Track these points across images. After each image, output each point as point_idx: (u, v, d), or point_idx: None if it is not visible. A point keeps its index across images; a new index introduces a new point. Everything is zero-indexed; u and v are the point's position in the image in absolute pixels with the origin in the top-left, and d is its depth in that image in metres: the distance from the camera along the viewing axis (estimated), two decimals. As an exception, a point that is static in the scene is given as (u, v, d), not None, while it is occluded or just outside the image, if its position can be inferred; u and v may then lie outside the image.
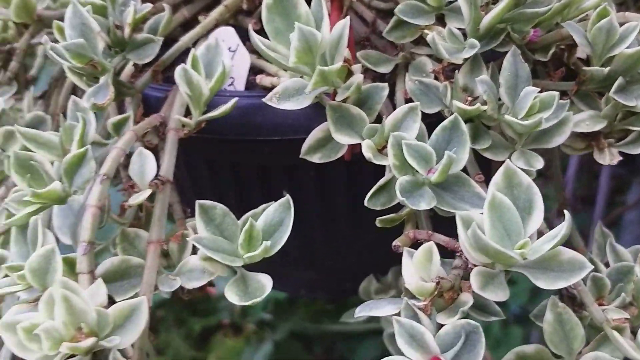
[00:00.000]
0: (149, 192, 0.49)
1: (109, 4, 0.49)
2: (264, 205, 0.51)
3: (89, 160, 0.45)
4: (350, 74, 0.49)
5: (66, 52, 0.46)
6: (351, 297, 0.87)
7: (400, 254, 0.75)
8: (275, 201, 0.51)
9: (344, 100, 0.49)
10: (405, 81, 0.51)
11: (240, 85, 0.59)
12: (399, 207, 0.50)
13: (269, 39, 0.64)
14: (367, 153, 0.45)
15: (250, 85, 0.60)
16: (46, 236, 0.45)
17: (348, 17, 0.45)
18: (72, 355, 0.39)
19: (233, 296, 0.45)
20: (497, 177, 0.41)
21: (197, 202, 0.48)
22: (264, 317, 1.50)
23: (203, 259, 0.46)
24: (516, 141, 0.50)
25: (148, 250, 0.48)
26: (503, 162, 0.49)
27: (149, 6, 0.52)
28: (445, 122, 0.45)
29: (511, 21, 0.46)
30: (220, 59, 0.52)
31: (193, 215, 0.54)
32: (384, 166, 0.62)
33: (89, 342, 0.38)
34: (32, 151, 0.53)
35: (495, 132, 0.50)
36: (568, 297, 0.51)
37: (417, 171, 0.45)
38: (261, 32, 0.65)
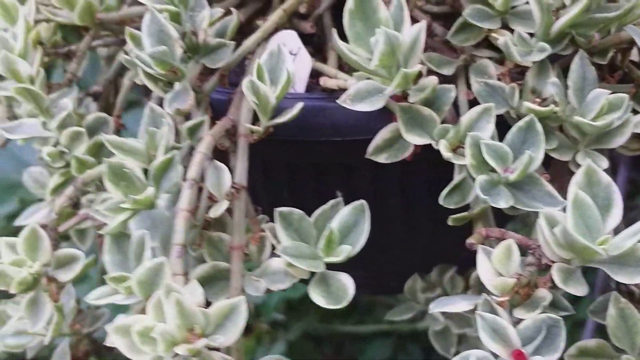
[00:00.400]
0: (227, 203, 0.50)
1: (182, 10, 0.50)
2: (331, 203, 0.53)
3: (176, 164, 0.47)
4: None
5: (151, 60, 0.47)
6: (396, 294, 0.88)
7: (446, 254, 0.77)
8: (328, 200, 0.53)
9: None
10: (471, 83, 0.52)
11: (300, 88, 0.60)
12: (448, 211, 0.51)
13: (325, 42, 0.67)
14: (446, 153, 0.46)
15: (309, 87, 0.61)
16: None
17: (424, 21, 0.46)
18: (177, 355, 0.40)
19: (319, 298, 0.47)
20: (578, 176, 0.42)
21: (276, 210, 0.50)
22: (277, 317, 1.51)
23: (287, 265, 0.48)
24: (579, 142, 0.51)
25: (231, 256, 0.50)
26: (566, 162, 0.51)
27: (220, 11, 0.53)
28: (520, 123, 0.46)
29: (580, 26, 0.48)
30: (284, 65, 0.53)
31: (263, 214, 0.55)
32: (438, 168, 0.63)
33: (202, 342, 0.39)
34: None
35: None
36: (627, 293, 0.53)
37: (492, 171, 0.46)
38: (315, 35, 0.67)
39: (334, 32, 0.46)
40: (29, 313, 0.56)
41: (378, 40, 0.44)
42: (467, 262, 0.82)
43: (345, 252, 0.47)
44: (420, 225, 0.70)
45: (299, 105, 0.52)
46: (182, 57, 0.50)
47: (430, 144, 0.52)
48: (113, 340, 0.42)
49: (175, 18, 0.50)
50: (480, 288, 0.51)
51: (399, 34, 0.44)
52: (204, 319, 0.42)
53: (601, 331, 0.51)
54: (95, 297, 0.47)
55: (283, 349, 1.35)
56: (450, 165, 0.62)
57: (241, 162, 0.52)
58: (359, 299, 1.64)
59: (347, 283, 0.47)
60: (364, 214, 0.49)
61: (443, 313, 0.74)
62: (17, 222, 0.75)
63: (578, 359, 0.50)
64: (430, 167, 0.63)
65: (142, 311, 0.44)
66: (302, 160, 0.64)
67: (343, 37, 0.68)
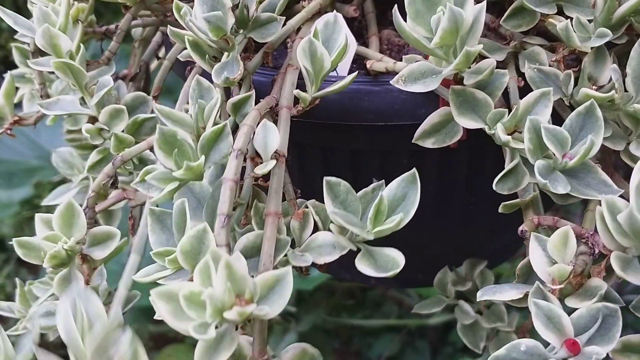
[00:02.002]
0: (273, 162, 0.48)
1: (234, -18, 0.50)
2: (372, 186, 0.51)
3: (227, 135, 0.46)
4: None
5: (206, 24, 0.46)
6: (422, 287, 0.87)
7: (479, 247, 0.76)
8: (363, 187, 0.51)
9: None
10: (523, 70, 0.51)
11: (343, 72, 0.59)
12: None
13: (365, 28, 0.66)
14: (504, 136, 0.45)
15: (351, 72, 0.60)
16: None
17: (485, 1, 0.45)
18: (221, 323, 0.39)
19: (366, 269, 0.45)
20: (641, 164, 0.41)
21: (325, 178, 0.48)
22: (289, 309, 1.50)
23: (338, 231, 0.46)
24: (631, 131, 0.50)
25: (266, 222, 0.48)
26: (617, 152, 0.50)
27: (271, -15, 0.52)
28: (580, 108, 0.45)
29: (639, 13, 0.47)
30: (340, 34, 0.52)
31: (302, 196, 0.55)
32: (478, 155, 0.63)
33: (251, 307, 0.38)
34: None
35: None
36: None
37: (546, 157, 0.45)
38: (355, 20, 0.66)
39: (395, 10, 0.45)
40: (62, 291, 0.55)
41: (441, 17, 0.43)
42: (495, 256, 0.82)
43: (395, 220, 0.45)
44: (453, 214, 0.69)
45: (352, 75, 0.51)
46: (231, 29, 0.49)
47: (475, 130, 0.51)
48: (156, 306, 0.40)
49: (226, -12, 0.49)
50: (526, 278, 0.51)
51: (462, 11, 0.43)
52: (253, 285, 0.40)
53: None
54: (143, 274, 0.45)
55: (294, 340, 1.35)
56: (488, 153, 0.62)
57: (283, 133, 0.51)
58: (368, 294, 1.64)
59: (395, 256, 0.46)
60: (415, 185, 0.47)
61: (472, 307, 0.73)
62: (45, 202, 0.75)
63: (622, 354, 0.49)
64: (470, 155, 0.63)
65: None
66: (338, 145, 0.63)
67: (388, 23, 0.68)
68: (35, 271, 1.80)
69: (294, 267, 0.49)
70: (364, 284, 1.28)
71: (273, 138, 0.49)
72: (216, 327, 0.40)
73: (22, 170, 1.31)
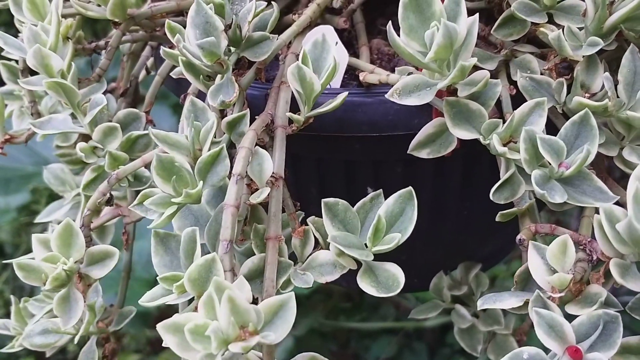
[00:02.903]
0: (267, 190, 0.49)
1: (226, 3, 0.50)
2: (370, 195, 0.52)
3: (224, 158, 0.46)
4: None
5: (200, 50, 0.47)
6: (419, 291, 0.87)
7: (473, 251, 0.76)
8: (358, 197, 0.52)
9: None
10: (516, 78, 0.52)
11: (336, 83, 0.60)
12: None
13: (355, 38, 0.66)
14: (500, 147, 0.45)
15: (343, 83, 0.61)
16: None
17: (477, 14, 0.46)
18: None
19: (368, 288, 0.46)
20: (638, 171, 0.42)
21: (323, 200, 0.49)
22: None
23: (337, 254, 0.47)
24: (624, 137, 0.51)
25: (267, 246, 0.49)
26: (610, 158, 0.51)
27: (263, 4, 0.52)
28: (575, 117, 0.46)
29: (631, 20, 0.48)
30: (329, 54, 0.53)
31: (301, 209, 0.55)
32: (472, 163, 0.63)
33: (255, 339, 0.38)
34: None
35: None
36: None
37: (542, 165, 0.46)
38: (345, 31, 0.67)
39: (390, 26, 0.45)
40: (61, 310, 0.55)
41: (435, 32, 0.43)
42: (488, 259, 0.82)
43: (394, 240, 0.46)
44: (447, 221, 0.70)
45: (343, 95, 0.52)
46: (225, 50, 0.49)
47: (468, 140, 0.51)
48: (164, 338, 0.41)
49: (219, 10, 0.49)
50: (524, 285, 0.51)
51: (457, 26, 0.43)
52: (255, 316, 0.41)
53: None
54: (148, 298, 0.46)
55: (291, 344, 1.35)
56: (481, 162, 0.62)
57: (279, 153, 0.52)
58: (366, 296, 1.64)
59: (395, 272, 0.47)
60: (412, 202, 0.48)
61: (469, 310, 0.74)
62: (38, 219, 0.75)
63: (621, 356, 0.49)
64: (464, 164, 0.63)
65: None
66: (333, 156, 0.64)
67: (377, 32, 0.68)
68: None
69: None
70: (361, 292, 1.28)
71: (267, 166, 0.49)
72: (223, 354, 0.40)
73: (19, 177, 1.31)
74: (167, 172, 0.45)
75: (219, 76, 0.51)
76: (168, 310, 0.48)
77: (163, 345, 0.43)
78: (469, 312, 0.73)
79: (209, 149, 0.48)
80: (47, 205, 0.78)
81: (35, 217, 0.77)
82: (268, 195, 0.50)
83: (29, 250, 0.57)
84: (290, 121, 0.53)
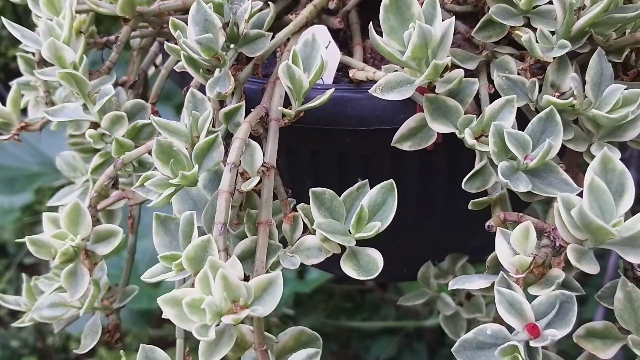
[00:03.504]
0: (258, 179, 0.53)
1: (225, 2, 0.54)
2: (357, 185, 0.56)
3: (219, 145, 0.50)
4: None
5: (198, 46, 0.51)
6: (408, 281, 0.91)
7: (456, 243, 0.80)
8: (349, 186, 0.56)
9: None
10: (493, 77, 0.56)
11: (328, 79, 0.64)
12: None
13: (350, 38, 0.70)
14: (470, 140, 0.49)
15: (335, 80, 0.65)
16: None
17: (453, 18, 0.50)
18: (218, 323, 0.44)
19: (350, 271, 0.50)
20: (595, 163, 0.45)
21: (311, 190, 0.54)
22: (287, 311, 1.53)
23: (322, 240, 0.51)
24: (593, 134, 0.55)
25: (258, 230, 0.53)
26: (580, 153, 0.54)
27: (259, 4, 0.56)
28: (541, 114, 0.49)
29: (598, 25, 0.51)
30: (317, 53, 0.57)
31: (296, 199, 0.59)
32: (455, 156, 0.67)
33: (245, 312, 0.43)
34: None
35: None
36: (634, 278, 0.56)
37: (511, 158, 0.50)
38: (341, 31, 0.71)
39: (371, 26, 0.49)
40: (68, 284, 0.60)
41: (412, 33, 0.47)
42: (476, 252, 0.86)
43: (375, 228, 0.50)
44: (434, 213, 0.74)
45: (330, 91, 0.56)
46: (223, 46, 0.53)
47: (452, 134, 0.55)
48: (164, 310, 0.46)
49: (218, 9, 0.53)
50: (496, 270, 0.55)
51: (431, 28, 0.47)
52: (246, 292, 0.45)
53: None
54: (150, 275, 0.50)
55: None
56: (465, 155, 0.66)
57: (272, 144, 0.56)
58: (367, 297, 1.67)
59: (376, 257, 0.51)
60: (392, 193, 0.52)
61: (454, 299, 0.78)
62: (50, 203, 0.79)
63: (586, 339, 0.53)
64: (449, 158, 0.67)
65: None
66: (325, 148, 0.68)
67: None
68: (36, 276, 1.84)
69: (295, 270, 0.54)
70: (363, 282, 1.32)
71: (258, 156, 0.54)
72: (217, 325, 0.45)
73: (24, 176, 1.35)
74: (166, 155, 0.50)
75: (217, 70, 0.55)
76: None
77: (162, 317, 0.47)
78: (453, 301, 0.77)
79: (206, 137, 0.52)
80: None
81: (39, 217, 0.81)
82: (260, 183, 0.55)
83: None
84: (283, 114, 0.57)
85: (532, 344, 0.46)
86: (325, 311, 1.61)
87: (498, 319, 0.75)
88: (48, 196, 1.54)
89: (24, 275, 0.72)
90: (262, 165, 0.55)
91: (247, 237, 0.55)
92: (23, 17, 1.52)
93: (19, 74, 0.79)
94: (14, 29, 0.64)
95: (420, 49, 0.47)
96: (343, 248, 0.53)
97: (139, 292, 0.71)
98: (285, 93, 0.58)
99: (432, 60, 0.47)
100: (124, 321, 0.72)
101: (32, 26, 0.70)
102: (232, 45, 0.56)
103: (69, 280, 0.59)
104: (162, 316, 0.47)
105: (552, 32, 0.54)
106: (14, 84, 0.75)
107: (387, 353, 1.52)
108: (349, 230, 0.54)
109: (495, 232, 0.51)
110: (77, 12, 0.68)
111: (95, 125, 0.67)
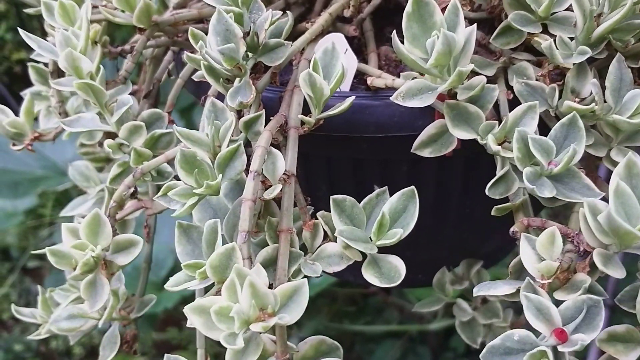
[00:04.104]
0: (280, 186, 0.54)
1: (244, 12, 0.54)
2: (376, 192, 0.56)
3: (241, 154, 0.51)
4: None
5: (221, 56, 0.51)
6: (423, 287, 0.91)
7: (475, 248, 0.80)
8: (365, 193, 0.56)
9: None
10: (512, 83, 0.56)
11: (346, 87, 0.64)
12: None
13: (364, 45, 0.70)
14: (495, 146, 0.50)
15: (352, 87, 0.65)
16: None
17: (475, 24, 0.50)
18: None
19: (372, 278, 0.51)
20: (620, 168, 0.46)
21: (332, 197, 0.54)
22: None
23: (344, 247, 0.51)
24: (612, 139, 0.55)
25: (280, 238, 0.53)
26: (599, 158, 0.55)
27: (278, 13, 0.56)
28: (563, 120, 0.50)
29: (617, 31, 0.52)
30: (337, 61, 0.57)
31: (312, 204, 0.59)
32: (473, 162, 0.67)
33: (273, 320, 0.43)
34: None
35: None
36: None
37: (534, 164, 0.50)
38: (355, 38, 0.71)
39: (394, 34, 0.49)
40: (88, 294, 0.60)
41: (436, 41, 0.47)
42: (489, 258, 0.86)
43: (397, 235, 0.50)
44: (450, 218, 0.74)
45: (350, 99, 0.56)
46: (243, 55, 0.54)
47: (468, 141, 0.55)
48: (190, 319, 0.45)
49: (238, 19, 0.53)
50: (518, 275, 0.55)
51: (455, 35, 0.47)
52: (273, 299, 0.45)
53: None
54: (173, 284, 0.50)
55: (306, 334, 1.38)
56: (482, 161, 0.66)
57: (291, 152, 0.56)
58: (370, 300, 1.67)
59: (397, 264, 0.51)
60: (414, 200, 0.52)
61: (470, 304, 0.78)
62: (63, 213, 0.79)
63: (608, 343, 0.53)
64: (466, 164, 0.67)
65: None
66: (342, 155, 0.68)
67: (385, 40, 0.73)
68: (39, 280, 1.83)
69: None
70: (367, 286, 1.32)
71: (280, 164, 0.54)
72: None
73: (27, 180, 1.34)
74: (190, 165, 0.50)
75: (237, 79, 0.55)
76: (173, 313, 0.52)
77: (188, 325, 0.47)
78: (469, 306, 0.77)
79: (228, 146, 0.52)
80: (53, 209, 0.82)
81: (42, 221, 0.81)
82: (281, 191, 0.55)
83: (35, 253, 0.61)
84: (302, 122, 0.57)
85: (560, 349, 0.46)
86: (329, 315, 1.61)
87: (515, 325, 0.76)
88: (52, 200, 1.53)
89: (39, 288, 0.72)
90: (283, 174, 0.55)
91: (267, 245, 0.55)
92: (26, 20, 1.52)
93: (22, 78, 0.79)
94: (30, 40, 0.64)
95: (444, 56, 0.47)
96: (364, 255, 0.53)
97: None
98: (304, 101, 0.59)
99: (457, 67, 0.47)
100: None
101: (35, 30, 0.70)
102: (251, 55, 0.56)
103: (89, 290, 0.59)
104: (166, 323, 0.47)
105: (571, 39, 0.54)
106: (26, 94, 0.75)
107: (391, 357, 1.52)
108: (370, 238, 0.54)
109: (519, 238, 0.51)
110: (92, 21, 0.68)
111: (110, 135, 0.67)
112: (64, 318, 0.66)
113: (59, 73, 0.70)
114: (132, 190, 0.61)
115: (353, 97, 0.57)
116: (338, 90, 0.64)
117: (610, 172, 0.55)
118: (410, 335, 1.54)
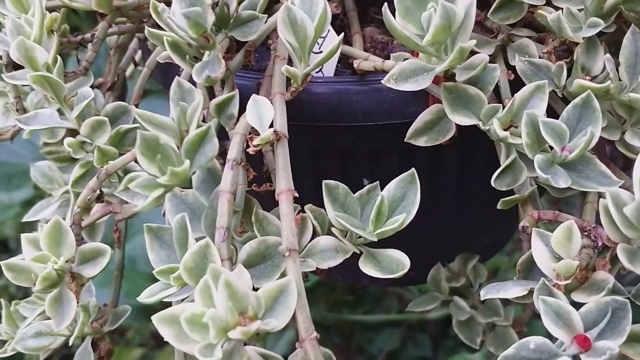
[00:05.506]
0: (271, 130, 0.47)
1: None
2: (367, 187, 0.51)
3: (212, 137, 0.44)
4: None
5: (185, 20, 0.45)
6: (416, 284, 0.86)
7: (471, 242, 0.75)
8: (353, 189, 0.51)
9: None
10: (513, 62, 0.51)
11: (329, 72, 0.58)
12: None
13: (348, 26, 0.65)
14: (501, 132, 0.44)
15: (337, 72, 0.59)
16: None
17: (473, -4, 0.45)
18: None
19: (371, 271, 0.46)
20: (644, 155, 0.40)
21: (324, 182, 0.49)
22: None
23: (341, 232, 0.46)
24: (625, 120, 0.50)
25: (280, 200, 0.47)
26: (611, 141, 0.49)
27: (253, -15, 0.51)
28: (577, 100, 0.45)
29: (631, 0, 0.47)
30: (318, 7, 0.49)
31: (296, 202, 0.53)
32: (468, 151, 0.62)
33: (256, 325, 0.37)
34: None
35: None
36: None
37: (543, 150, 0.45)
38: (337, 19, 0.65)
39: (385, 7, 0.44)
40: (53, 311, 0.54)
41: (432, 14, 0.42)
42: (486, 251, 0.81)
43: (398, 221, 0.45)
44: (443, 213, 0.69)
45: (340, 37, 0.49)
46: (212, 28, 0.48)
47: (464, 128, 0.50)
48: (160, 331, 0.39)
49: (206, -15, 0.47)
50: (527, 274, 0.50)
51: (454, 6, 0.42)
52: (255, 301, 0.39)
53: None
54: (148, 295, 0.44)
55: (294, 336, 1.34)
56: (479, 150, 0.61)
57: (280, 115, 0.49)
58: (369, 289, 1.64)
59: (398, 256, 0.47)
60: (414, 185, 0.47)
61: (468, 302, 0.73)
62: (26, 218, 0.73)
63: (627, 344, 0.48)
64: (460, 153, 0.62)
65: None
66: (327, 147, 0.62)
67: (370, 20, 0.67)
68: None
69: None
70: (356, 284, 1.28)
71: (267, 110, 0.47)
72: (223, 346, 0.38)
73: (21, 172, 1.31)
74: (152, 151, 0.43)
75: (206, 54, 0.49)
76: (170, 304, 0.46)
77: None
78: (467, 304, 0.72)
79: (197, 129, 0.46)
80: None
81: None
82: (273, 152, 0.48)
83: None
84: (289, 79, 0.51)
85: (583, 358, 0.41)
86: (327, 304, 1.58)
87: (517, 322, 0.71)
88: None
89: (2, 301, 0.66)
90: (274, 132, 0.48)
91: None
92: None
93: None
94: (-23, 30, 0.57)
95: (442, 31, 0.42)
96: (360, 251, 0.48)
97: (139, 288, 0.64)
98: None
99: (457, 44, 0.42)
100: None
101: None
102: (222, 30, 0.50)
103: (54, 307, 0.53)
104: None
105: (579, 10, 0.49)
106: (-20, 91, 0.69)
107: (391, 345, 1.49)
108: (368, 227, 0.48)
109: (529, 234, 0.46)
110: (48, 9, 0.62)
111: (73, 132, 0.61)
112: (30, 336, 0.60)
113: (14, 66, 0.64)
114: (97, 193, 0.55)
115: (341, 37, 0.50)
116: (321, 76, 0.59)
117: (625, 159, 0.50)
118: (410, 324, 1.51)
